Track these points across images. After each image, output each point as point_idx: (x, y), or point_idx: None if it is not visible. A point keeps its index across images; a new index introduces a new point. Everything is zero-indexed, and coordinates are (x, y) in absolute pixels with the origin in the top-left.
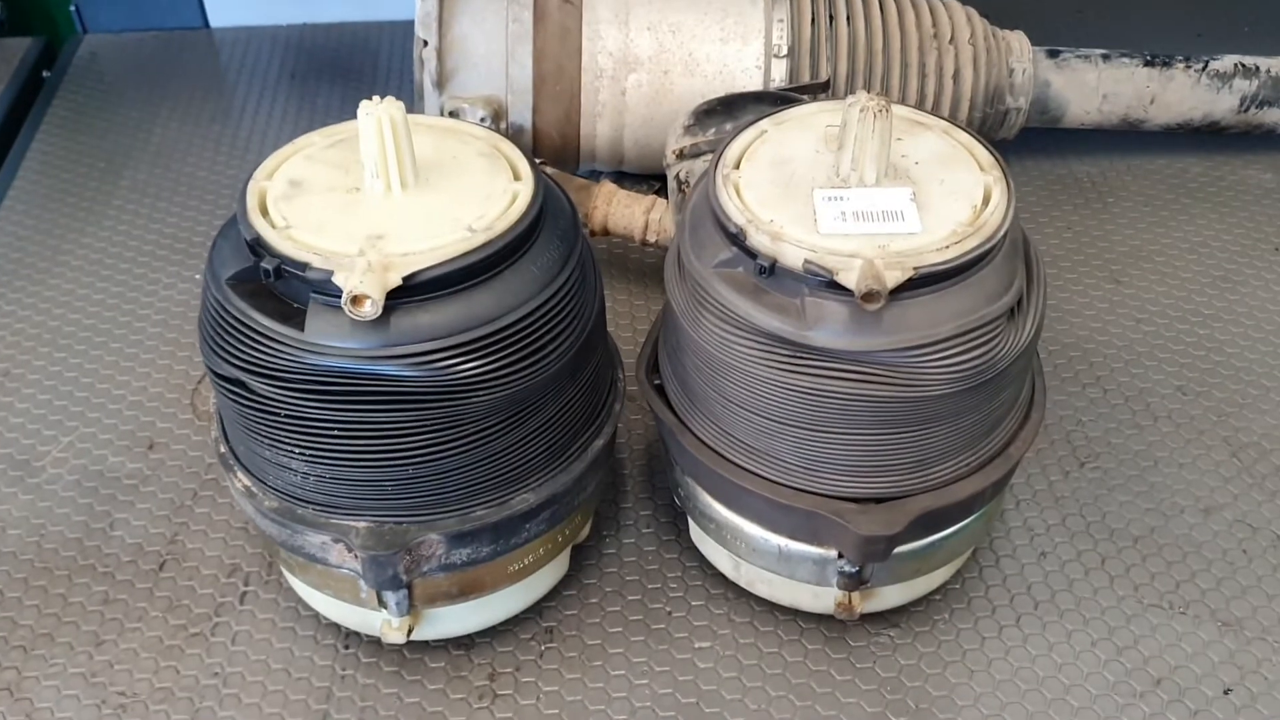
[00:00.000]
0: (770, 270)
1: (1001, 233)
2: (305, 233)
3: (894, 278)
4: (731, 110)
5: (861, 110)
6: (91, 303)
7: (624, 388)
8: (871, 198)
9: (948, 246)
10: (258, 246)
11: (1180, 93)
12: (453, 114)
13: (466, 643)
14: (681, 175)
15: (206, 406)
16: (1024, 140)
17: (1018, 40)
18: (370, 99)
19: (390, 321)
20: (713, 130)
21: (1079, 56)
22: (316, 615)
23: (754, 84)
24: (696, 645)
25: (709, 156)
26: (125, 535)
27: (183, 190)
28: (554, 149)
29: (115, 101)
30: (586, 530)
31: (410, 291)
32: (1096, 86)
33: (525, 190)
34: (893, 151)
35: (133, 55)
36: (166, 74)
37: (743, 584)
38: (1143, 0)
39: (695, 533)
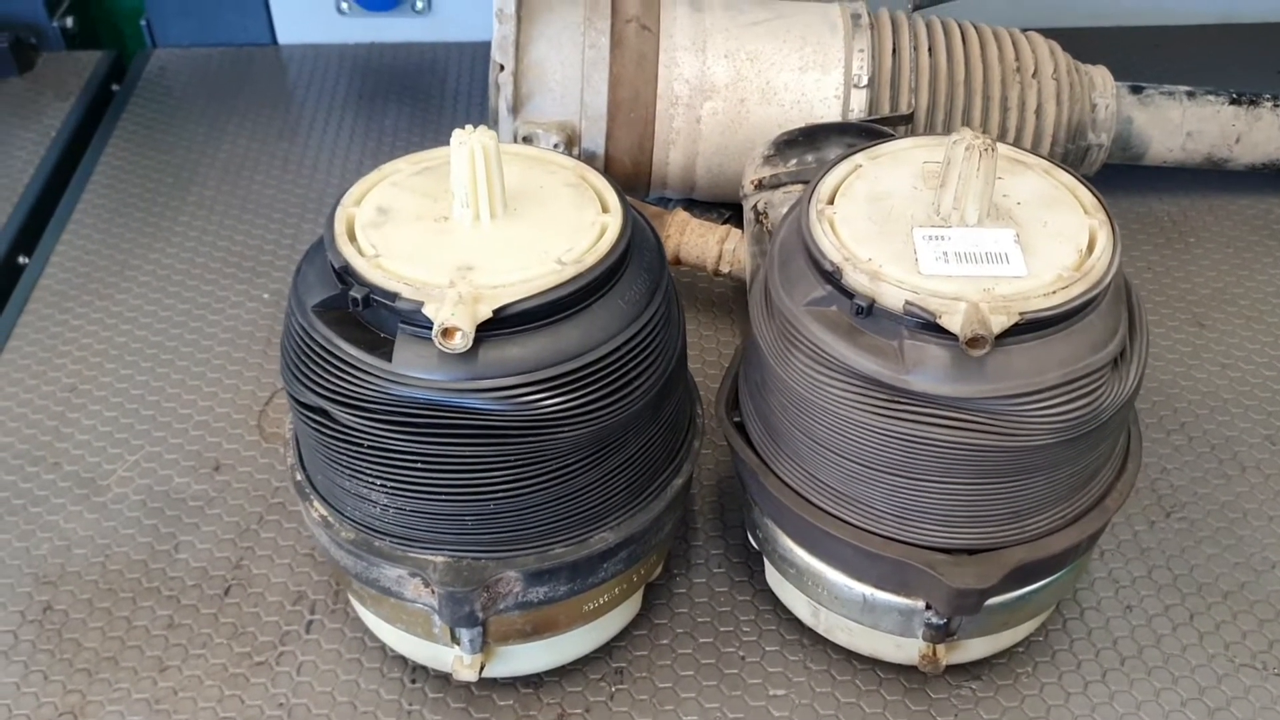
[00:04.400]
0: (868, 310)
1: (1108, 279)
2: (394, 262)
3: (1000, 323)
4: (813, 141)
5: (967, 148)
6: (159, 319)
7: (703, 425)
8: (974, 238)
9: (1055, 292)
10: (346, 275)
11: (1268, 132)
12: (526, 139)
13: (535, 681)
14: (759, 205)
15: (274, 428)
16: (1103, 177)
17: (1100, 75)
18: (463, 128)
19: (478, 354)
20: (794, 161)
21: (1163, 93)
22: (383, 647)
23: (832, 114)
24: (771, 692)
25: (789, 188)
26: (190, 559)
27: (250, 207)
28: (625, 175)
29: (183, 116)
30: (659, 569)
31: (498, 324)
32: (1181, 124)
33: (614, 223)
34: (994, 191)
35: (201, 70)
36: (235, 90)
37: (821, 631)
38: (1221, 35)
39: (772, 576)
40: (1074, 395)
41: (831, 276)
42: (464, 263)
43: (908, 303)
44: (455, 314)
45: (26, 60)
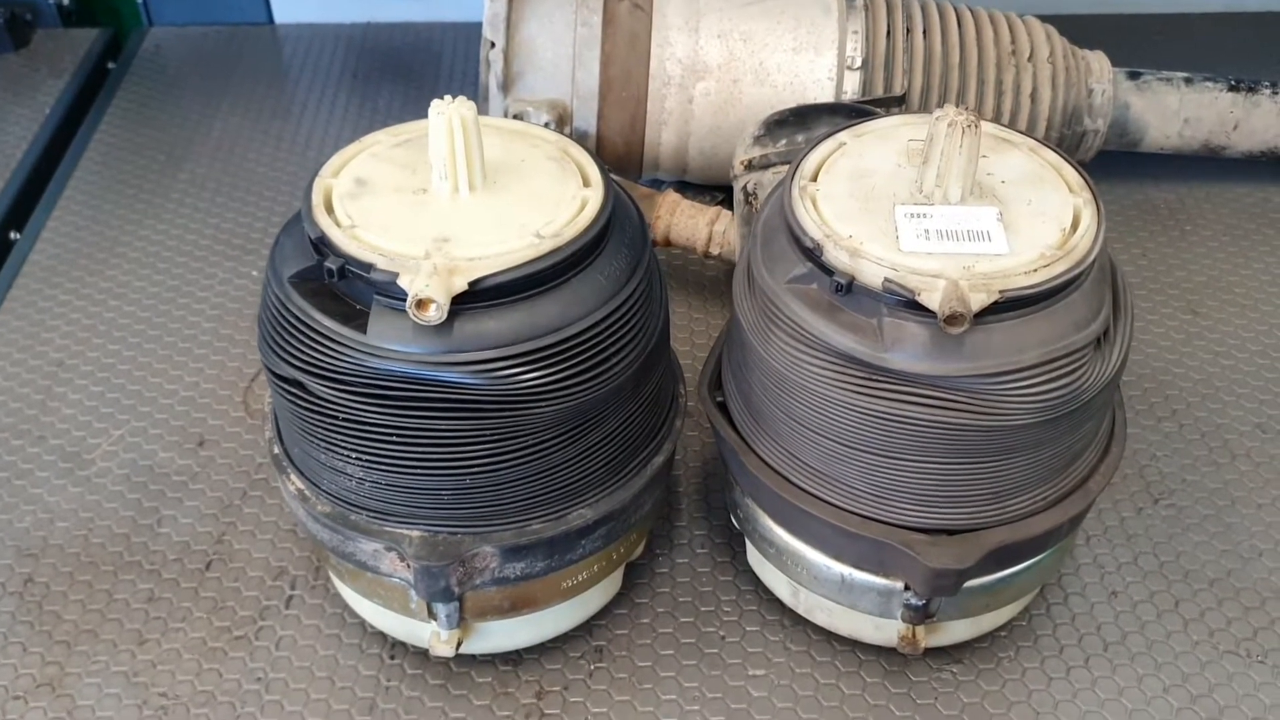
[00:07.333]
0: (847, 288)
1: (1091, 258)
2: (370, 233)
3: (979, 300)
4: (804, 121)
5: (949, 125)
6: (147, 296)
7: (685, 404)
8: (956, 216)
9: (1035, 270)
10: (322, 245)
11: (1265, 119)
12: (517, 117)
13: (514, 659)
14: (749, 186)
15: (259, 405)
16: (1100, 163)
17: (1098, 60)
18: (441, 98)
19: (454, 327)
20: (783, 141)
21: (1160, 79)
22: (362, 623)
23: (825, 96)
24: (750, 672)
25: (778, 168)
26: (173, 533)
27: (242, 186)
28: (617, 156)
29: (178, 95)
30: (641, 548)
31: (475, 297)
32: (1178, 110)
33: (595, 197)
34: (978, 169)
35: (197, 49)
36: (229, 68)
37: (801, 611)
38: (1223, 23)
39: (753, 556)
40: (1054, 374)
41: (812, 253)
42: (441, 235)
43: (887, 280)
44: (430, 285)
45: (22, 36)
